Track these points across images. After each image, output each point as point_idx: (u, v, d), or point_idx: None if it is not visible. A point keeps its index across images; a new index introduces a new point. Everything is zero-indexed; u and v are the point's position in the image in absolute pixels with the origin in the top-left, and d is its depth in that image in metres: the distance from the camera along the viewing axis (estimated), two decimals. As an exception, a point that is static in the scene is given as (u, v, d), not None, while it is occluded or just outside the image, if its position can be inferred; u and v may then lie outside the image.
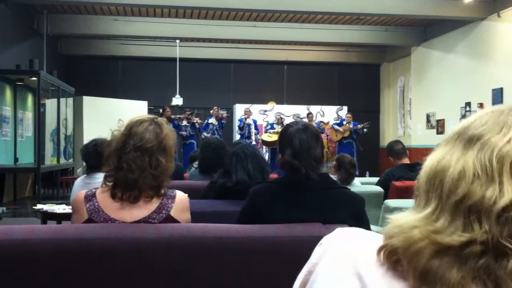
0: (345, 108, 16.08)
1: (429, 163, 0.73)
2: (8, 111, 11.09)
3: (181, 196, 2.18)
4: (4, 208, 8.11)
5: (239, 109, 15.15)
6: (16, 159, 11.28)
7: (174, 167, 2.19)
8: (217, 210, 2.92)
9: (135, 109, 13.01)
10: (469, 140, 0.71)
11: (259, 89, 16.51)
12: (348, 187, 3.31)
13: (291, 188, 2.30)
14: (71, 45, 15.52)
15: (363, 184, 5.21)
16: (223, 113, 14.09)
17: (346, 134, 14.04)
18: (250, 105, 15.25)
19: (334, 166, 5.00)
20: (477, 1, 11.54)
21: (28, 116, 12.31)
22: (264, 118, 15.69)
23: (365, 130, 14.02)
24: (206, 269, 1.95)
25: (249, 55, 16.24)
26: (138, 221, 2.05)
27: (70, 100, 13.54)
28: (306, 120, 13.82)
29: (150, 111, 14.65)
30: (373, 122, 15.61)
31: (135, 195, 2.06)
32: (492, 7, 11.70)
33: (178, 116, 13.81)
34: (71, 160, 12.87)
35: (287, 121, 13.03)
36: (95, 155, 3.79)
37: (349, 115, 14.39)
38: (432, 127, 14.17)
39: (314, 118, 14.89)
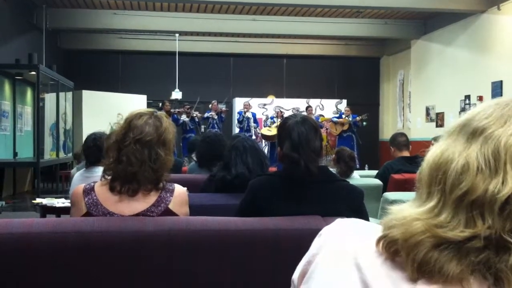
0: (344, 101, 16.08)
1: (431, 155, 0.73)
2: (7, 105, 11.08)
3: (179, 190, 2.18)
4: (4, 202, 8.11)
5: (239, 103, 15.15)
6: (15, 154, 11.28)
7: (173, 161, 2.20)
8: (217, 204, 2.92)
9: (134, 103, 13.01)
10: (472, 133, 0.70)
11: (259, 82, 16.50)
12: (347, 180, 3.31)
13: (290, 181, 2.30)
14: (70, 39, 15.49)
15: (362, 177, 5.21)
16: (222, 107, 14.09)
17: (345, 127, 14.05)
18: (249, 99, 15.25)
19: (334, 159, 5.00)
20: (476, -6, 11.53)
21: (28, 110, 12.30)
22: (263, 112, 15.69)
23: (364, 123, 14.02)
24: (206, 262, 1.95)
25: (248, 49, 16.21)
26: (137, 215, 2.05)
27: (70, 94, 13.53)
28: (305, 113, 13.82)
29: (149, 105, 14.66)
30: (372, 116, 15.61)
31: (134, 188, 2.06)
32: (492, 0, 11.67)
33: (177, 110, 13.81)
34: (70, 154, 12.86)
35: (286, 115, 13.02)
36: (94, 149, 3.79)
37: (347, 108, 14.39)
38: (431, 120, 14.17)
39: (313, 112, 14.88)
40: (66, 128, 13.29)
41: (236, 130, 14.24)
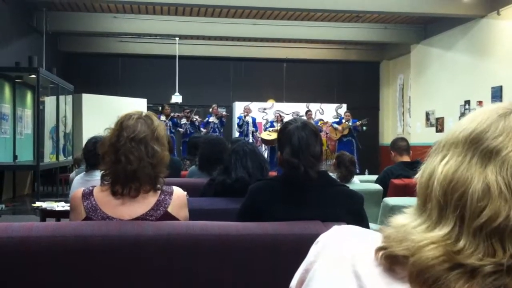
0: (344, 106, 16.08)
1: (442, 172, 0.70)
2: (7, 108, 11.08)
3: (178, 193, 2.19)
4: (4, 206, 8.12)
5: (239, 107, 15.14)
6: (15, 157, 11.27)
7: (169, 156, 2.22)
8: (216, 208, 2.92)
9: (134, 107, 12.92)
10: (487, 153, 0.67)
11: (259, 87, 16.51)
12: (348, 185, 3.31)
13: (290, 186, 2.30)
14: (70, 42, 15.50)
15: (362, 182, 5.21)
16: (222, 111, 14.09)
17: (345, 132, 14.04)
18: (249, 102, 15.25)
19: (334, 164, 5.00)
20: (476, -1, 11.55)
21: (27, 113, 12.31)
22: (263, 116, 15.69)
23: (364, 128, 14.02)
24: (205, 266, 1.95)
25: (248, 53, 16.23)
26: (136, 219, 2.05)
27: (70, 98, 13.53)
28: (305, 118, 13.82)
29: (149, 108, 14.66)
30: (372, 120, 15.61)
31: (136, 187, 2.07)
32: (491, 5, 11.69)
33: (177, 114, 13.82)
34: (70, 158, 12.86)
35: (286, 119, 13.02)
36: (94, 153, 3.79)
37: (347, 113, 14.39)
38: (431, 125, 14.17)
39: (313, 116, 14.89)
40: (66, 132, 13.30)
41: (236, 134, 14.24)
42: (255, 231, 2.01)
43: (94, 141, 3.89)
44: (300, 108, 15.68)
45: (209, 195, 3.20)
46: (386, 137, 17.24)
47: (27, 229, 1.86)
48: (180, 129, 13.52)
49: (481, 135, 0.69)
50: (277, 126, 13.42)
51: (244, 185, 2.73)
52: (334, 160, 5.03)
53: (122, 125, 2.12)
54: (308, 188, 2.27)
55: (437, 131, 13.69)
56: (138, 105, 13.83)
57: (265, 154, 13.39)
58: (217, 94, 16.01)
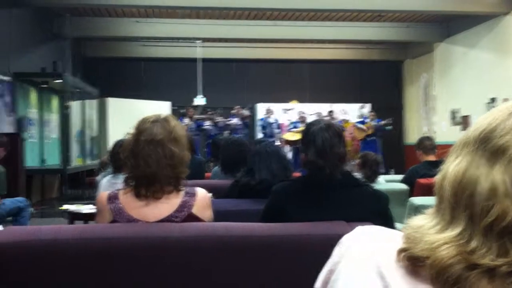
0: (368, 105, 15.97)
1: (452, 172, 0.70)
2: (34, 113, 11.26)
3: (202, 194, 2.20)
4: (33, 209, 8.24)
5: (261, 108, 15.15)
6: (43, 161, 11.45)
7: (189, 156, 2.23)
8: (241, 209, 2.93)
9: (159, 110, 13.01)
10: (494, 152, 0.67)
11: (281, 88, 16.49)
12: (373, 184, 3.29)
13: (314, 186, 2.30)
14: (94, 47, 15.68)
15: (388, 182, 5.17)
16: (245, 112, 14.12)
17: (370, 131, 13.96)
18: (272, 104, 15.25)
19: (358, 164, 4.97)
20: (500, -5, 11.40)
21: (54, 118, 12.49)
22: (286, 117, 15.67)
23: (388, 127, 13.92)
24: (231, 267, 1.96)
25: (270, 54, 16.23)
26: (161, 221, 2.08)
27: (95, 102, 13.70)
28: (328, 118, 13.78)
29: (173, 111, 14.77)
30: (396, 120, 15.49)
31: (157, 189, 2.10)
32: (516, 1, 11.54)
33: (201, 116, 13.90)
34: (96, 161, 13.00)
35: (310, 119, 12.99)
36: (119, 156, 3.83)
37: (372, 113, 14.29)
38: (457, 124, 14.01)
39: (336, 116, 14.83)
40: (92, 135, 13.46)
41: (259, 135, 14.25)
42: (279, 232, 2.02)
43: (121, 144, 3.93)
44: (323, 108, 15.61)
45: (233, 196, 3.21)
46: (411, 136, 17.07)
47: (55, 231, 1.90)
48: (207, 127, 13.58)
49: (489, 134, 0.69)
50: (301, 126, 13.39)
51: (268, 186, 2.74)
52: (358, 160, 5.00)
53: (139, 129, 2.16)
54: (332, 189, 2.27)
55: (463, 129, 13.52)
56: (162, 107, 13.95)
57: (289, 155, 13.37)
58: (239, 96, 16.04)
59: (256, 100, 16.07)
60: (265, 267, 1.98)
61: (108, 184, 3.85)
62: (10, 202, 5.87)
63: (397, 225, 2.79)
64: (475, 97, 12.86)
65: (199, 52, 15.23)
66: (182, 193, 2.16)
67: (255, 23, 13.95)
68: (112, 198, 2.13)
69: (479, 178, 0.66)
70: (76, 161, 12.24)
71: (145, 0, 11.19)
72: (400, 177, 5.63)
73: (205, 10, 12.48)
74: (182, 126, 2.29)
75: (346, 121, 14.85)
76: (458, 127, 13.84)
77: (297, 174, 3.84)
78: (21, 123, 10.26)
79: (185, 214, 2.10)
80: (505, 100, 11.40)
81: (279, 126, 14.34)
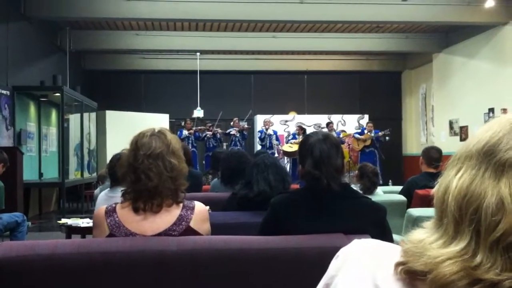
0: (366, 116, 16.00)
1: (456, 186, 0.69)
2: (32, 126, 11.26)
3: (200, 207, 2.20)
4: (30, 223, 8.22)
5: (260, 120, 15.18)
6: (40, 174, 11.43)
7: (187, 168, 2.25)
8: (239, 222, 2.92)
9: (157, 122, 13.11)
10: (499, 166, 0.67)
11: (280, 99, 16.53)
12: (371, 196, 3.28)
13: (312, 198, 2.29)
14: (93, 60, 15.74)
15: (386, 193, 5.16)
16: (244, 124, 14.13)
17: (368, 142, 13.96)
18: (271, 115, 15.27)
19: (357, 175, 4.96)
20: (498, 6, 11.44)
21: (52, 131, 12.48)
22: (285, 128, 15.69)
23: (387, 138, 13.92)
24: (229, 281, 1.95)
25: (269, 66, 16.28)
26: (159, 234, 2.07)
27: (93, 115, 13.71)
28: (326, 129, 13.79)
29: (171, 123, 14.80)
30: (395, 130, 15.51)
31: (158, 203, 2.09)
32: (513, 11, 11.59)
33: (198, 127, 13.91)
34: (94, 174, 12.99)
35: (308, 131, 13.00)
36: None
37: (370, 124, 14.31)
38: (455, 134, 14.02)
39: (335, 127, 14.85)
40: (90, 148, 13.45)
41: (258, 147, 14.26)
42: (277, 245, 2.01)
43: (119, 157, 3.92)
44: (322, 119, 15.65)
45: (232, 209, 3.20)
46: (410, 147, 17.10)
47: (52, 246, 1.89)
48: (207, 133, 13.57)
49: (493, 147, 0.68)
50: (299, 138, 13.39)
51: (266, 198, 2.73)
52: (356, 171, 4.99)
53: (137, 144, 2.16)
54: (330, 201, 2.26)
55: (461, 140, 13.53)
56: (160, 120, 13.96)
57: (287, 167, 13.36)
58: (238, 107, 16.06)
59: (255, 112, 16.09)
60: (264, 280, 1.97)
61: (106, 197, 3.84)
62: (7, 217, 5.85)
63: (395, 236, 2.78)
64: (474, 107, 12.88)
65: (198, 64, 15.27)
66: (180, 206, 2.16)
67: (254, 35, 14.01)
68: (110, 212, 2.13)
69: (485, 193, 0.66)
70: (74, 175, 12.22)
71: (144, 13, 11.24)
72: (398, 188, 5.60)
73: (203, 22, 12.53)
74: (177, 138, 2.30)
75: (344, 132, 14.87)
76: (456, 138, 13.85)
77: (295, 185, 3.83)
78: (19, 137, 10.26)
79: (183, 228, 2.10)
80: (504, 110, 11.41)
81: (278, 138, 14.34)
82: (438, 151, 5.02)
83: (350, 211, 2.26)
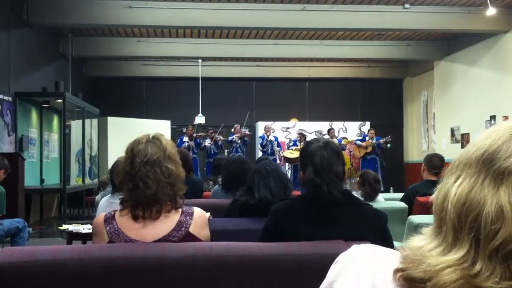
0: (368, 123, 16.01)
1: (455, 193, 0.69)
2: (34, 133, 11.28)
3: (199, 213, 2.20)
4: (31, 229, 8.22)
5: (262, 127, 15.19)
6: (42, 180, 11.43)
7: (184, 173, 2.24)
8: (240, 228, 2.92)
9: (158, 129, 13.07)
10: (499, 173, 0.66)
11: (281, 106, 16.54)
12: (372, 203, 3.28)
13: (313, 205, 2.29)
14: (95, 67, 15.77)
15: (387, 200, 5.15)
16: (245, 131, 14.13)
17: (369, 149, 13.95)
18: (272, 122, 15.28)
19: (358, 182, 4.96)
20: (500, 14, 11.46)
21: (54, 137, 12.50)
22: (286, 135, 15.69)
23: (388, 145, 13.91)
24: (230, 287, 1.94)
25: (270, 73, 16.31)
26: (159, 240, 2.07)
27: (95, 121, 13.74)
28: (327, 136, 13.79)
29: (173, 130, 14.81)
30: (397, 137, 15.50)
31: (157, 209, 2.09)
32: (515, 19, 11.61)
33: (200, 134, 13.91)
34: (96, 180, 13.00)
35: (309, 137, 12.99)
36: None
37: (372, 131, 14.29)
38: (456, 141, 14.01)
39: (336, 134, 14.84)
40: (92, 155, 13.47)
41: (259, 154, 14.25)
42: (278, 251, 2.01)
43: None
44: (323, 126, 15.66)
45: (233, 215, 3.20)
46: (411, 154, 17.09)
47: (53, 252, 1.89)
48: (206, 144, 13.57)
49: (493, 155, 0.68)
50: (300, 145, 13.39)
51: (267, 205, 2.73)
52: (358, 178, 4.98)
53: (133, 151, 2.14)
54: (331, 207, 2.26)
55: (462, 147, 13.51)
56: (162, 126, 13.98)
57: (288, 173, 13.36)
58: (240, 114, 16.07)
59: (257, 118, 16.11)
60: (264, 286, 1.97)
61: (107, 203, 3.84)
62: (8, 223, 5.85)
63: (396, 244, 2.78)
64: (475, 115, 12.88)
65: (200, 71, 15.30)
66: (179, 212, 2.15)
67: (256, 42, 14.04)
68: (109, 219, 2.12)
69: (484, 201, 0.66)
70: (75, 181, 12.23)
71: (146, 20, 11.28)
72: (399, 195, 5.59)
73: (205, 29, 12.56)
74: (173, 143, 2.28)
75: (346, 139, 14.87)
76: (458, 145, 13.84)
77: (296, 192, 3.83)
78: (21, 143, 10.28)
79: (182, 233, 2.10)
80: (505, 118, 11.41)
81: (279, 144, 14.34)
82: (441, 158, 4.98)
83: (351, 218, 2.26)
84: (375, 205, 2.75)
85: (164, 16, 11.23)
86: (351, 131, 15.92)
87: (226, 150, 13.84)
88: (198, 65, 15.33)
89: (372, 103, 17.09)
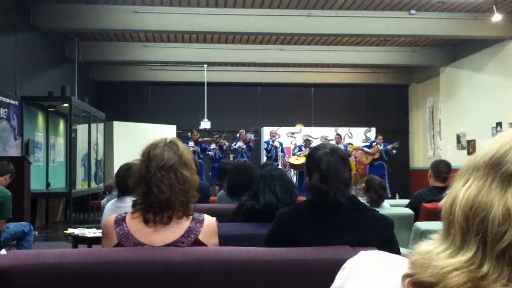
0: (373, 129, 15.99)
1: (463, 197, 0.69)
2: (40, 137, 11.32)
3: (209, 221, 2.19)
4: (37, 233, 8.24)
5: (267, 132, 15.20)
6: (48, 184, 11.46)
7: (198, 179, 2.23)
8: (245, 233, 2.91)
9: (164, 133, 13.05)
10: (506, 176, 0.67)
11: (287, 111, 16.55)
12: (378, 209, 3.27)
13: (319, 211, 2.29)
14: (101, 71, 15.83)
15: (393, 206, 5.14)
16: (251, 136, 14.13)
17: (377, 155, 13.91)
18: (277, 127, 15.28)
19: (364, 188, 4.95)
20: (505, 20, 11.44)
21: (60, 141, 12.54)
22: (292, 140, 15.69)
23: (394, 151, 13.89)
24: (235, 292, 1.94)
25: (276, 78, 16.33)
26: (167, 245, 2.07)
27: (101, 125, 13.77)
28: (333, 142, 13.78)
29: (178, 135, 14.81)
30: (402, 144, 15.47)
31: (168, 215, 2.08)
32: (521, 25, 11.59)
33: (205, 139, 13.92)
34: (101, 185, 13.02)
35: (315, 143, 12.98)
36: (126, 179, 3.83)
37: (380, 137, 14.24)
38: (462, 148, 13.97)
39: (342, 140, 14.82)
40: (98, 159, 13.50)
41: (264, 159, 14.25)
42: (283, 256, 2.00)
43: (127, 168, 3.93)
44: (328, 132, 15.65)
45: (239, 220, 3.20)
46: (417, 160, 17.05)
47: (59, 255, 1.89)
48: (209, 153, 13.59)
49: (500, 159, 0.69)
50: (306, 150, 13.38)
51: (273, 210, 2.73)
52: (363, 184, 4.97)
53: (149, 155, 2.13)
54: (337, 213, 2.26)
55: (468, 153, 13.48)
56: (167, 131, 13.98)
57: (294, 179, 13.34)
58: (245, 119, 16.10)
59: (262, 124, 16.11)
60: (270, 292, 1.96)
61: (114, 207, 3.84)
62: (14, 226, 5.86)
63: (402, 250, 2.77)
64: (481, 121, 12.84)
65: (205, 76, 15.33)
66: (189, 218, 2.15)
67: (261, 47, 14.06)
68: (119, 221, 2.12)
69: (491, 203, 0.66)
70: (81, 185, 12.25)
71: (152, 25, 11.31)
72: (405, 201, 5.58)
73: (211, 34, 12.60)
74: (189, 149, 2.28)
75: (351, 145, 14.84)
76: (464, 151, 13.79)
77: (302, 198, 3.82)
78: (27, 147, 10.31)
79: (191, 240, 2.10)
80: (511, 124, 11.37)
81: (283, 150, 14.33)
82: (447, 165, 4.96)
83: (357, 223, 2.26)
84: (381, 211, 2.74)
85: (170, 21, 11.26)
86: (356, 137, 15.90)
87: (231, 155, 13.82)
88: (204, 70, 15.36)
89: (378, 109, 17.07)
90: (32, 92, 10.54)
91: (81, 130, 12.58)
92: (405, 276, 0.71)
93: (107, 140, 13.88)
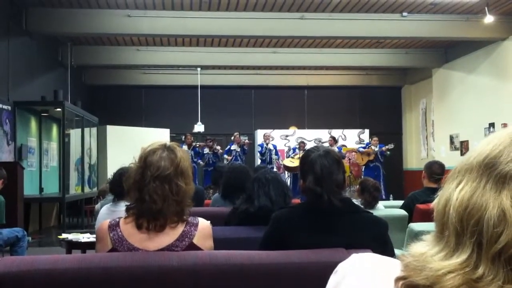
0: (367, 131, 16.03)
1: (457, 198, 0.69)
2: (33, 142, 11.27)
3: (203, 224, 2.19)
4: (30, 238, 8.20)
5: (261, 135, 15.20)
6: (41, 189, 11.41)
7: (194, 188, 2.21)
8: (240, 236, 2.91)
9: (158, 137, 13.08)
10: (500, 178, 0.67)
11: (280, 114, 16.57)
12: (372, 210, 3.28)
13: (313, 213, 2.29)
14: (94, 75, 15.79)
15: (387, 208, 5.15)
16: (245, 139, 14.13)
17: (372, 157, 13.93)
18: (271, 130, 15.29)
19: (358, 190, 4.96)
20: (497, 22, 11.50)
21: (53, 146, 12.49)
22: (285, 143, 15.70)
23: (388, 152, 13.92)
24: (230, 296, 1.94)
25: (269, 81, 16.34)
26: (162, 250, 2.06)
27: (94, 130, 13.73)
28: (327, 144, 13.79)
29: (172, 138, 14.77)
30: (396, 145, 15.52)
31: (161, 224, 2.07)
32: (513, 26, 11.64)
33: (199, 143, 13.90)
34: (95, 189, 12.97)
35: (309, 145, 12.99)
36: (121, 184, 3.82)
37: (376, 138, 14.26)
38: (456, 149, 14.02)
39: (336, 143, 14.83)
40: (91, 163, 13.45)
41: (259, 162, 14.24)
42: (278, 260, 2.00)
43: (121, 172, 3.91)
44: (322, 134, 15.67)
45: (233, 223, 3.20)
46: (410, 162, 17.09)
47: (53, 261, 1.88)
48: (200, 162, 13.57)
49: (494, 160, 0.68)
50: (300, 153, 13.38)
51: (267, 213, 2.72)
52: (358, 186, 4.98)
53: (146, 162, 2.10)
54: (332, 215, 2.26)
55: (462, 154, 13.52)
56: (161, 135, 13.96)
57: (288, 181, 13.33)
58: (239, 122, 16.10)
59: (256, 126, 16.12)
60: (265, 295, 1.96)
61: (108, 211, 3.83)
62: (7, 232, 5.84)
63: (397, 251, 2.78)
64: (474, 122, 12.89)
65: (199, 79, 15.32)
66: (184, 222, 2.14)
67: (254, 50, 14.07)
68: (113, 226, 2.11)
69: (486, 205, 0.66)
70: (74, 189, 12.21)
71: (145, 29, 11.30)
72: (399, 203, 5.59)
73: (204, 37, 12.59)
74: (187, 155, 2.24)
75: (345, 147, 14.86)
76: (457, 152, 13.84)
77: (296, 200, 3.82)
78: (20, 152, 10.27)
79: (186, 244, 2.09)
80: (504, 125, 11.42)
81: (277, 152, 14.33)
82: (441, 166, 4.98)
83: (352, 226, 2.26)
84: (375, 212, 2.75)
85: (163, 24, 11.25)
86: (350, 139, 15.93)
87: (227, 157, 13.79)
88: (197, 74, 15.35)
89: (371, 111, 17.11)
90: (24, 97, 10.49)
91: (74, 134, 12.53)
92: (398, 279, 0.71)
93: (100, 145, 13.83)
